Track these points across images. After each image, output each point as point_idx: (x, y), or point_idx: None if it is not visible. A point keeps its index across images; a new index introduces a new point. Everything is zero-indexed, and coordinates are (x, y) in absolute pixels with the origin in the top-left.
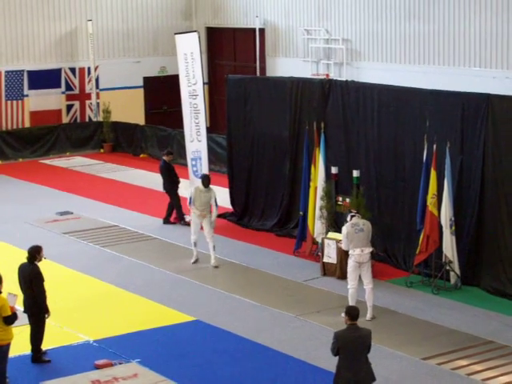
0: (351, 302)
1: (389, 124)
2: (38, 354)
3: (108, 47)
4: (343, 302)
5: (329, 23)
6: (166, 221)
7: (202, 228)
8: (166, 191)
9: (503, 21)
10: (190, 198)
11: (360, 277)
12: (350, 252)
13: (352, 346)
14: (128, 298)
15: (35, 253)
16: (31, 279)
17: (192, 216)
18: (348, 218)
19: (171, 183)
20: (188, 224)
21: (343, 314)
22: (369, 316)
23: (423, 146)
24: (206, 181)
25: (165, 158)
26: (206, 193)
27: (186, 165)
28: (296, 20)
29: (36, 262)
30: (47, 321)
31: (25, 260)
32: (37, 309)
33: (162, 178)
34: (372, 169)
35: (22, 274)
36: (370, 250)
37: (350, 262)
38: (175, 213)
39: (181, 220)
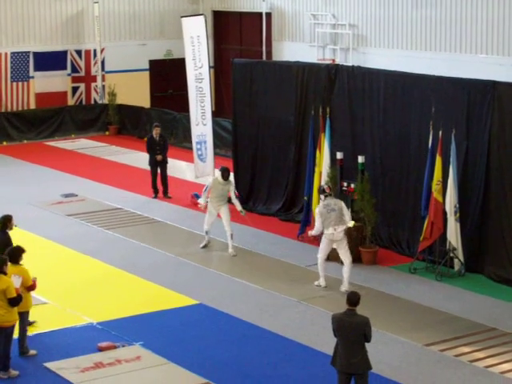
0: (321, 272)
1: (394, 110)
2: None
3: (114, 29)
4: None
5: (335, 8)
6: (166, 195)
7: (218, 215)
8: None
9: (511, 8)
10: (207, 187)
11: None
12: (324, 231)
13: (346, 331)
14: (132, 281)
15: (6, 221)
16: (5, 246)
17: (209, 207)
18: (322, 198)
19: (150, 158)
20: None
21: (316, 282)
22: (343, 288)
23: (429, 132)
24: (226, 174)
25: (153, 132)
26: (224, 185)
27: (191, 148)
28: (303, 4)
29: (7, 231)
30: (51, 302)
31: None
32: None
33: None
34: (377, 154)
35: None
36: (344, 227)
37: (323, 240)
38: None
39: (154, 194)
